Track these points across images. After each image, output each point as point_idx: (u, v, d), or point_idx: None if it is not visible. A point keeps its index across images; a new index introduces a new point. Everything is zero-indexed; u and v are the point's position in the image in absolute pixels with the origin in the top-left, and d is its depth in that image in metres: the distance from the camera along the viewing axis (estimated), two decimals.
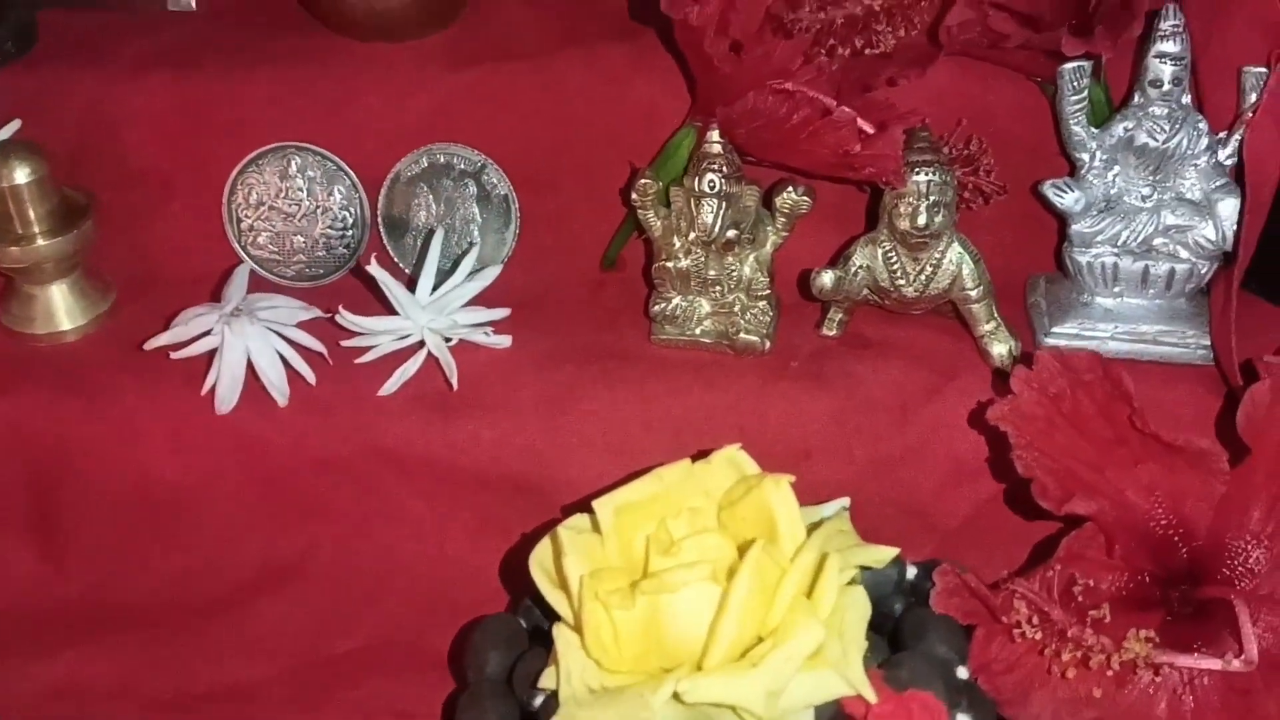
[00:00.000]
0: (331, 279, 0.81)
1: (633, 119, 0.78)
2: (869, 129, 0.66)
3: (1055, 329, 0.74)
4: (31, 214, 0.74)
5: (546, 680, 0.55)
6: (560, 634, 0.55)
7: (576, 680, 0.53)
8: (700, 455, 0.63)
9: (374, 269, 0.71)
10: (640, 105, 0.77)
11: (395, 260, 0.81)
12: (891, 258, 0.71)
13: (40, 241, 0.74)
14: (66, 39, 0.82)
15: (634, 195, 0.73)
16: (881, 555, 0.55)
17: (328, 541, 0.73)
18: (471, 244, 0.78)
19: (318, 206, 0.80)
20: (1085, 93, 0.71)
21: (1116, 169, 0.73)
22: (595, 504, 0.56)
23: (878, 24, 0.67)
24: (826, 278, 0.71)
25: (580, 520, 0.58)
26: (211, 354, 0.71)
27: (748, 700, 0.50)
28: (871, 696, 0.53)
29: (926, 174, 0.68)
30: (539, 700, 0.56)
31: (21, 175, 0.73)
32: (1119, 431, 0.61)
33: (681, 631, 0.53)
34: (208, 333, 0.71)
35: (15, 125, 0.76)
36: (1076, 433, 0.61)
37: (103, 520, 0.73)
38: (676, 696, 0.51)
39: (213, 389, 0.71)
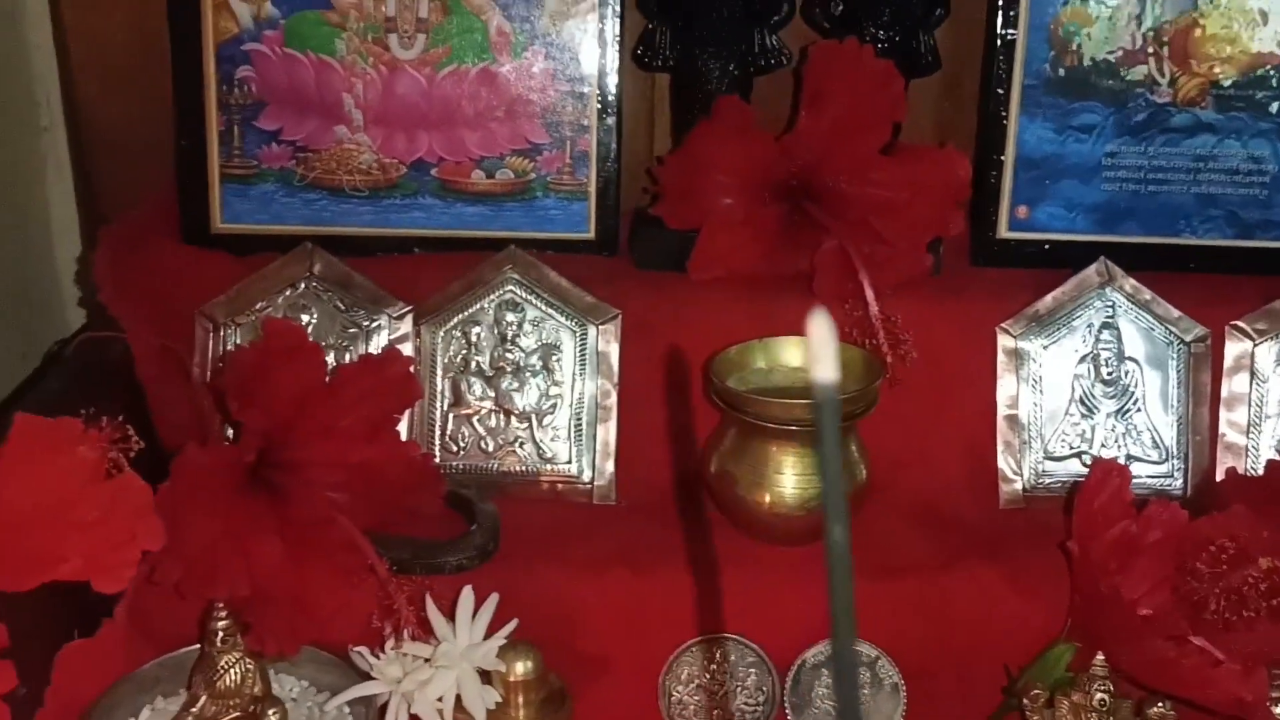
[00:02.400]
0: None
1: (1000, 634, 0.95)
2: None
3: None
4: (526, 700, 0.90)
5: None
6: None
7: None
8: None
9: None
10: (1010, 619, 0.95)
11: None
12: None
13: None
14: (524, 539, 1.00)
15: (1026, 701, 0.89)
16: None
17: None
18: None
19: (738, 685, 0.96)
20: None
21: None
22: None
23: (1259, 595, 0.85)
24: None
25: None
26: None
27: None
28: None
29: None
30: None
31: (522, 669, 0.89)
32: None
33: None
34: None
35: (513, 624, 0.92)
36: None
37: None
38: None
39: None
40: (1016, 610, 0.94)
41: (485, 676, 0.90)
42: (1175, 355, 1.05)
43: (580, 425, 1.05)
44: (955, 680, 0.96)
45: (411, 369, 0.98)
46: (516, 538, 1.00)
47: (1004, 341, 1.05)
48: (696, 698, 0.96)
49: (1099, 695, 0.87)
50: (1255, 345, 1.04)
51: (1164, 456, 1.04)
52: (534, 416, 1.06)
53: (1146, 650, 0.84)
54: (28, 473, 0.59)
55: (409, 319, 1.06)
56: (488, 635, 0.91)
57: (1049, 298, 1.05)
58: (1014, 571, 0.95)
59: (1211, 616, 0.84)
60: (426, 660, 0.90)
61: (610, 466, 1.05)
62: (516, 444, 1.05)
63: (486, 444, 1.06)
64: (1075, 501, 0.91)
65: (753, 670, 0.96)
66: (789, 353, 1.02)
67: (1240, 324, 1.05)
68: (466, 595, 0.91)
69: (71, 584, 0.89)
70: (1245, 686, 0.81)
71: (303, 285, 1.06)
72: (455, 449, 1.06)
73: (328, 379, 0.94)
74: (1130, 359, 1.05)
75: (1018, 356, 1.05)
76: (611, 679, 0.96)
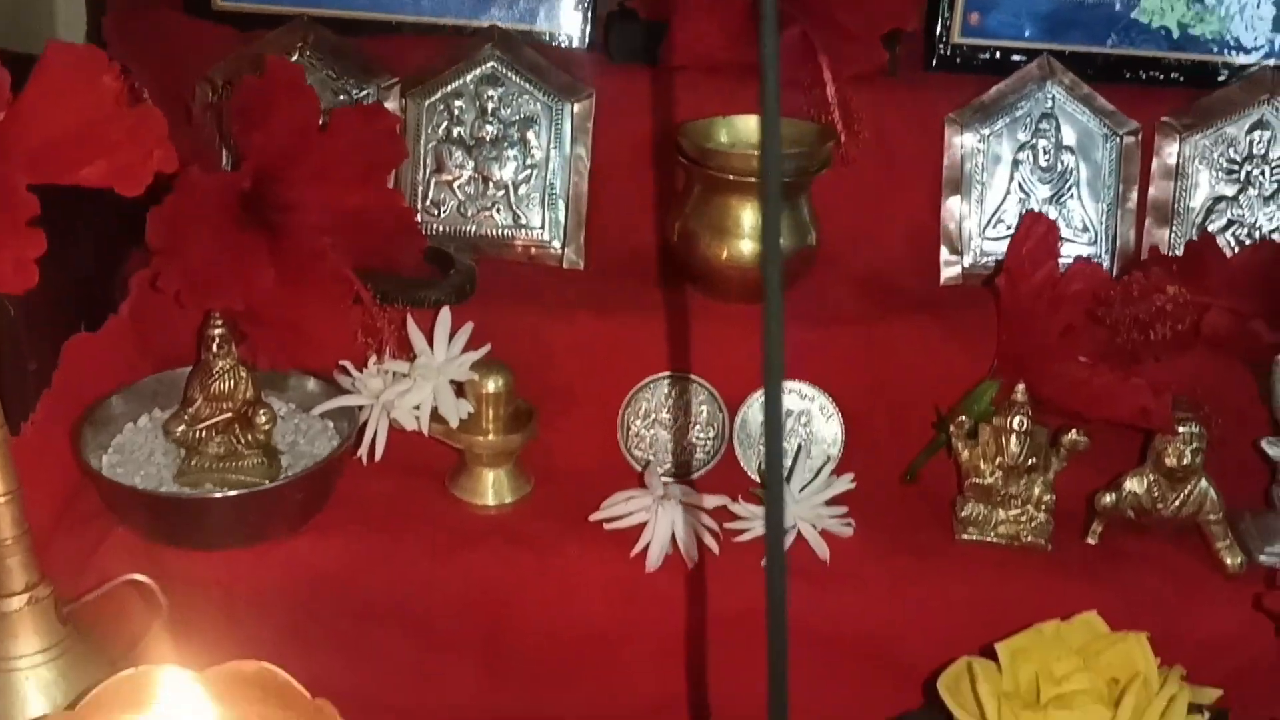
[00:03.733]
0: (695, 476, 1.04)
1: (933, 378, 1.03)
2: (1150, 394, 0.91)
3: (1267, 549, 0.97)
4: (496, 414, 0.98)
5: None
6: None
7: None
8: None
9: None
10: (943, 364, 1.03)
11: (742, 466, 1.04)
12: (1155, 486, 0.95)
13: (500, 435, 0.98)
14: (498, 287, 1.08)
15: (952, 428, 0.97)
16: (1209, 695, 0.77)
17: (714, 681, 0.94)
18: (829, 458, 1.01)
19: (692, 421, 1.04)
20: None
21: None
22: (997, 647, 0.78)
23: (1159, 321, 0.93)
24: (1108, 498, 0.95)
25: (978, 661, 0.80)
26: (638, 526, 0.94)
27: None
28: None
29: (1189, 426, 0.93)
30: None
31: (493, 385, 0.97)
32: None
33: None
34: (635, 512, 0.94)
35: (487, 347, 1.00)
36: None
37: (539, 650, 0.94)
38: None
39: (643, 552, 0.93)
40: (949, 356, 1.03)
41: (460, 391, 0.99)
42: (1108, 147, 1.13)
43: (554, 194, 1.13)
44: (889, 420, 1.04)
45: (397, 128, 1.06)
46: (491, 285, 1.08)
47: (950, 131, 1.13)
48: (652, 431, 1.04)
49: (1018, 419, 0.95)
50: (1182, 140, 1.13)
51: (1093, 240, 1.13)
52: (510, 185, 1.13)
53: (1063, 374, 0.93)
54: (57, 94, 0.66)
55: (396, 90, 1.14)
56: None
57: (993, 90, 1.13)
58: (948, 322, 1.04)
59: (1122, 342, 0.93)
60: (405, 375, 0.98)
61: (581, 235, 1.13)
62: (494, 209, 1.13)
63: (465, 209, 1.13)
64: (1007, 250, 1.00)
65: (705, 407, 1.04)
66: (751, 129, 1.10)
67: (1169, 120, 1.13)
68: (444, 316, 0.98)
69: (80, 277, 0.96)
70: (1150, 398, 0.90)
71: (296, 55, 1.13)
72: (436, 213, 1.13)
73: (322, 123, 1.02)
74: (1066, 149, 1.13)
75: (962, 145, 1.13)
76: (576, 411, 1.04)
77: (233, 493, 0.91)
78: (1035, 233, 0.97)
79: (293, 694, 0.72)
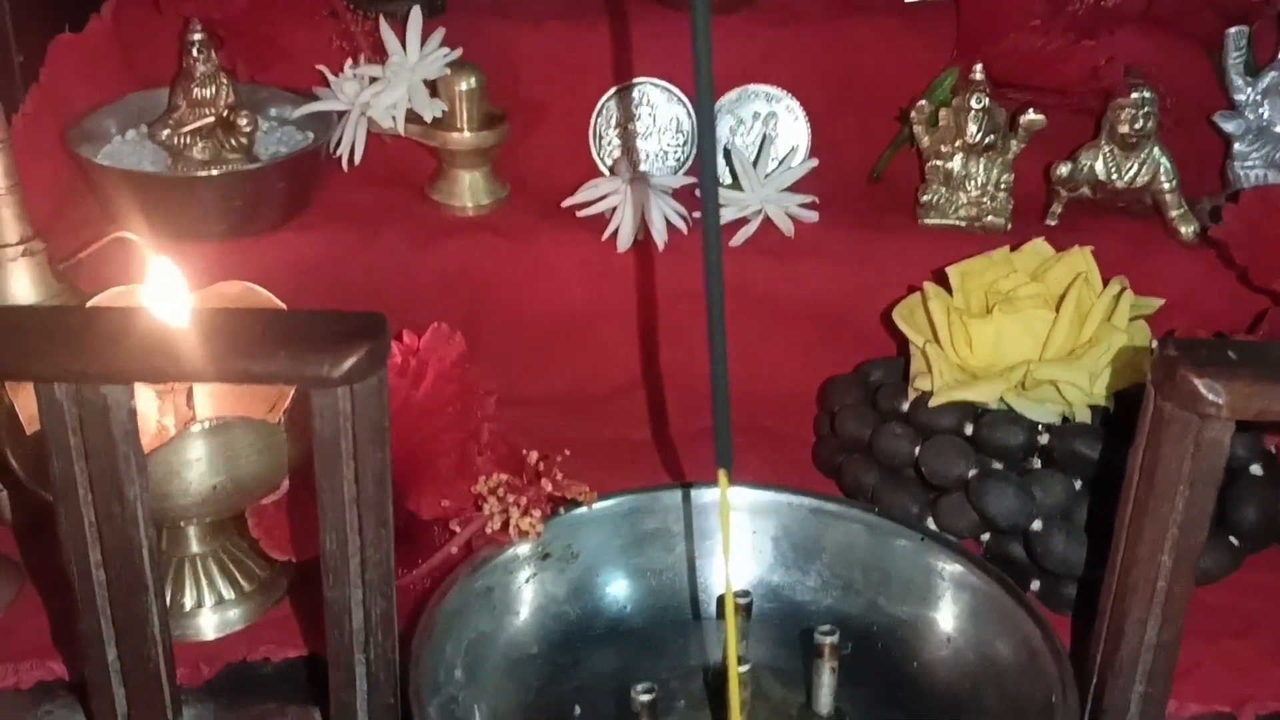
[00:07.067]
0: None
1: (896, 76, 1.06)
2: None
3: None
4: (469, 113, 1.01)
5: (920, 383, 0.80)
6: (928, 350, 0.80)
7: (947, 376, 0.78)
8: None
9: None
10: (906, 58, 1.05)
11: None
12: (1109, 157, 0.98)
13: (474, 133, 1.01)
14: (472, 3, 1.10)
15: (913, 114, 1.00)
16: (1152, 304, 0.81)
17: (683, 357, 0.98)
18: (795, 146, 1.04)
19: (660, 126, 1.07)
20: (1244, 50, 1.00)
21: (1266, 105, 1.00)
22: (948, 270, 0.82)
23: None
24: (1064, 168, 0.98)
25: (930, 285, 0.83)
26: (610, 211, 0.97)
27: (1076, 379, 0.75)
28: None
29: (1141, 91, 0.95)
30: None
31: (465, 85, 1.00)
32: None
33: (1018, 342, 0.78)
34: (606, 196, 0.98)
35: (459, 52, 1.03)
36: None
37: (519, 331, 0.98)
38: (1019, 382, 0.76)
39: (614, 235, 0.96)
40: (913, 51, 1.05)
41: (434, 91, 1.02)
42: None
43: None
44: (856, 120, 1.07)
45: None
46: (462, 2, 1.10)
47: None
48: (623, 139, 1.07)
49: (975, 96, 0.98)
50: None
51: None
52: None
53: (1017, 45, 0.95)
54: None
55: None
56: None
57: None
58: (912, 20, 1.06)
59: (1074, 9, 0.95)
60: (380, 79, 1.01)
61: None
62: None
63: None
64: None
65: (675, 113, 1.07)
66: None
67: None
68: (415, 16, 1.01)
69: None
70: (1100, 59, 0.92)
71: None
72: None
73: None
74: None
75: None
76: (548, 122, 1.07)
77: (215, 172, 0.94)
78: None
79: (274, 306, 0.76)
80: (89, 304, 0.76)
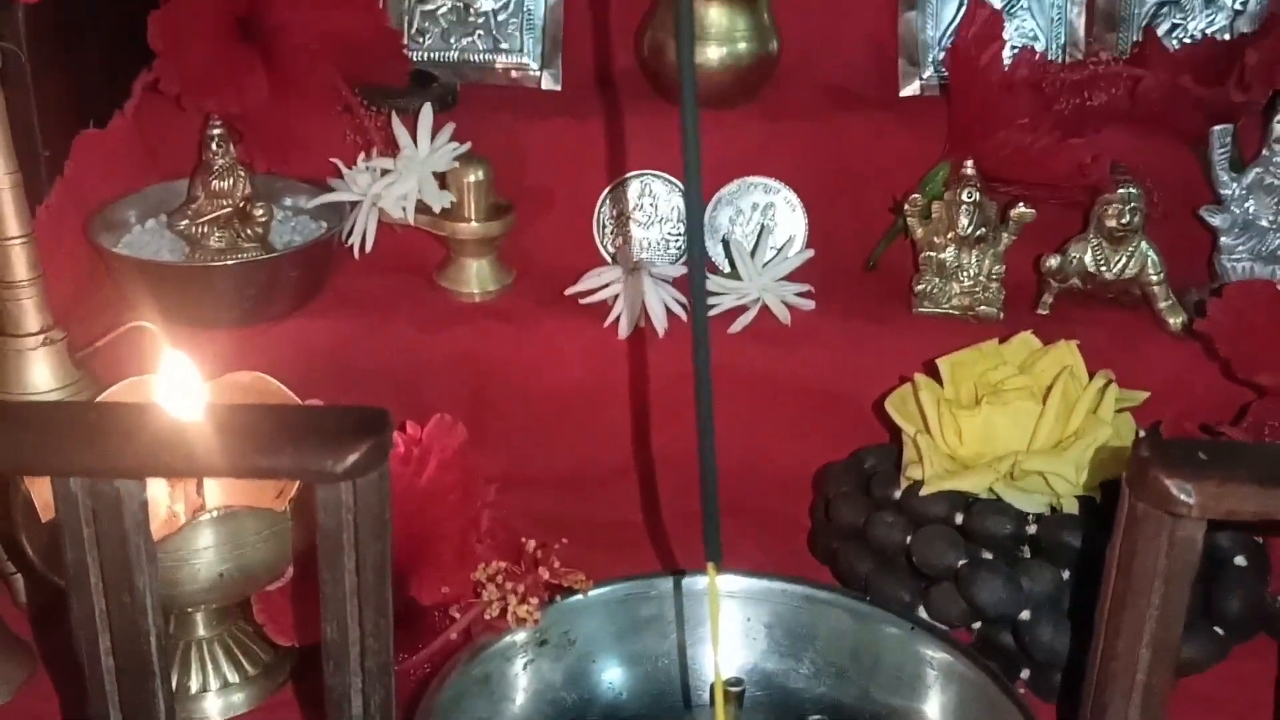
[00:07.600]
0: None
1: (890, 167, 1.09)
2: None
3: None
4: (477, 204, 1.04)
5: (911, 472, 0.82)
6: (919, 440, 0.82)
7: (938, 465, 0.80)
8: None
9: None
10: (899, 154, 1.09)
11: (710, 257, 1.10)
12: (1098, 250, 1.00)
13: (481, 223, 1.04)
14: (480, 100, 1.14)
15: (906, 206, 1.03)
16: (1137, 397, 0.83)
17: (682, 440, 1.00)
18: (793, 236, 1.07)
19: (662, 217, 1.10)
20: (1229, 147, 1.03)
21: (1251, 201, 1.03)
22: (939, 361, 0.85)
23: (1095, 86, 0.99)
24: (1054, 260, 1.01)
25: (921, 376, 0.86)
26: (611, 299, 1.00)
27: (1063, 470, 0.77)
28: None
29: (1128, 187, 0.98)
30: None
31: (473, 177, 1.04)
32: None
33: (1007, 433, 0.80)
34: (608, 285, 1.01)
35: (468, 145, 1.06)
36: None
37: (522, 414, 1.00)
38: (1007, 472, 0.78)
39: (615, 321, 0.99)
40: (906, 148, 1.08)
41: (443, 183, 1.05)
42: None
43: (532, 22, 1.19)
44: (852, 212, 1.10)
45: None
46: (472, 99, 1.14)
47: None
48: (626, 228, 1.10)
49: (966, 190, 1.01)
50: None
51: (1044, 49, 1.18)
52: (491, 13, 1.20)
53: (1006, 142, 0.99)
54: None
55: None
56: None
57: None
58: (906, 118, 1.10)
59: (1061, 108, 0.99)
60: (391, 170, 1.05)
61: (558, 59, 1.19)
62: (475, 34, 1.19)
63: (448, 36, 1.20)
64: (955, 33, 1.06)
65: (675, 205, 1.10)
66: None
67: None
68: (426, 113, 1.05)
69: (88, 82, 1.03)
70: (1087, 156, 0.96)
71: None
72: (421, 41, 1.20)
73: None
74: None
75: None
76: (553, 212, 1.11)
77: (231, 261, 0.98)
78: (979, 17, 1.03)
79: (284, 398, 0.79)
80: (104, 395, 0.79)
